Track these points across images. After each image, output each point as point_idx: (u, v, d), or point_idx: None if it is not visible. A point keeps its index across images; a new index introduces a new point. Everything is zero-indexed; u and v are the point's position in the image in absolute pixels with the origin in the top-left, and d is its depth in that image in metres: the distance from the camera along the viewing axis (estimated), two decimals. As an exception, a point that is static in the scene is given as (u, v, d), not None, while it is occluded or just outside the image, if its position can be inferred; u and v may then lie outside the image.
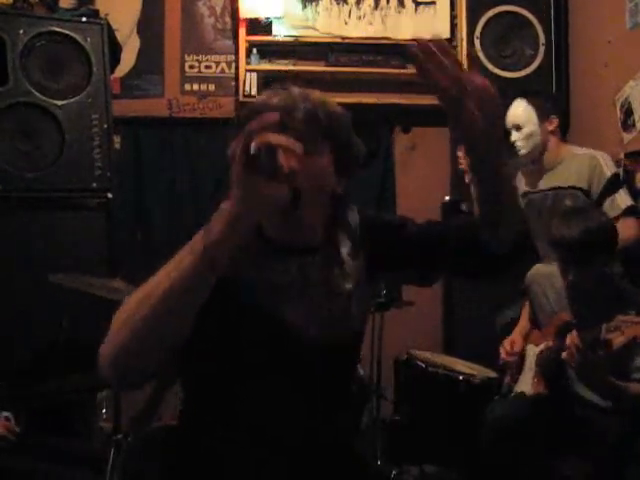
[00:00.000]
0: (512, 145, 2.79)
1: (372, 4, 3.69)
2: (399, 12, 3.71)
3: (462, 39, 3.63)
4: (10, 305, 2.65)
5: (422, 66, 1.06)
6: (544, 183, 2.86)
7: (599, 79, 3.34)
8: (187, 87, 3.67)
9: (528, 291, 2.61)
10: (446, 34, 3.69)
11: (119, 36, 3.23)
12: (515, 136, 2.80)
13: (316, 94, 1.26)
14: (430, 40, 1.06)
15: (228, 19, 3.70)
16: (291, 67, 3.65)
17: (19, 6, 2.91)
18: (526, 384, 2.48)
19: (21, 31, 2.75)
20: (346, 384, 1.47)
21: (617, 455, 2.13)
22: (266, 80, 3.59)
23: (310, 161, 1.16)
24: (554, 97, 3.31)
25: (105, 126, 2.89)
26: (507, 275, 1.34)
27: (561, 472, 2.20)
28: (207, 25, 3.70)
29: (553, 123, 2.85)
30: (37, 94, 2.77)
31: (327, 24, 3.67)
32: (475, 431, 2.37)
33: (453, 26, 3.69)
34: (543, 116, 2.83)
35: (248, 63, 3.59)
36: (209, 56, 3.69)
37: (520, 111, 2.83)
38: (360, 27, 3.68)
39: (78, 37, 2.85)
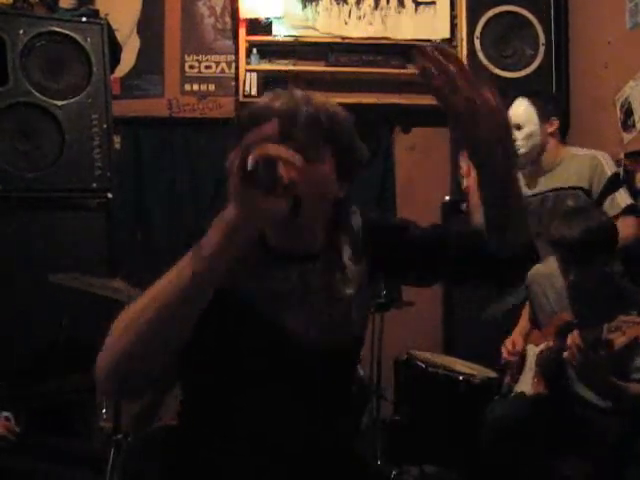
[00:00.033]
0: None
1: (372, 4, 3.69)
2: (399, 12, 3.70)
3: (462, 39, 3.63)
4: (10, 305, 2.64)
5: (432, 84, 1.05)
6: (544, 184, 2.86)
7: (599, 79, 3.34)
8: (187, 87, 3.67)
9: (528, 291, 2.61)
10: (446, 34, 3.69)
11: (119, 36, 3.23)
12: (515, 135, 2.80)
13: (318, 97, 1.25)
14: (434, 46, 1.06)
15: (228, 19, 3.69)
16: (291, 67, 3.65)
17: (19, 6, 2.91)
18: (526, 384, 2.48)
19: (21, 31, 2.75)
20: (346, 388, 1.47)
21: (617, 455, 2.13)
22: (266, 80, 3.60)
23: (311, 169, 1.15)
24: (555, 98, 3.31)
25: (105, 126, 2.89)
26: (508, 284, 1.34)
27: (561, 472, 2.20)
28: (207, 25, 3.70)
29: (553, 125, 2.85)
30: (37, 94, 2.77)
31: (327, 24, 3.66)
32: (475, 431, 2.37)
33: (453, 26, 3.69)
34: (544, 117, 2.83)
35: (248, 63, 3.59)
36: (209, 56, 3.69)
37: (521, 110, 2.83)
38: (360, 27, 3.68)
39: (78, 37, 2.85)
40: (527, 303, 2.68)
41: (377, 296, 2.81)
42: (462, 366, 2.95)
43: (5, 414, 2.15)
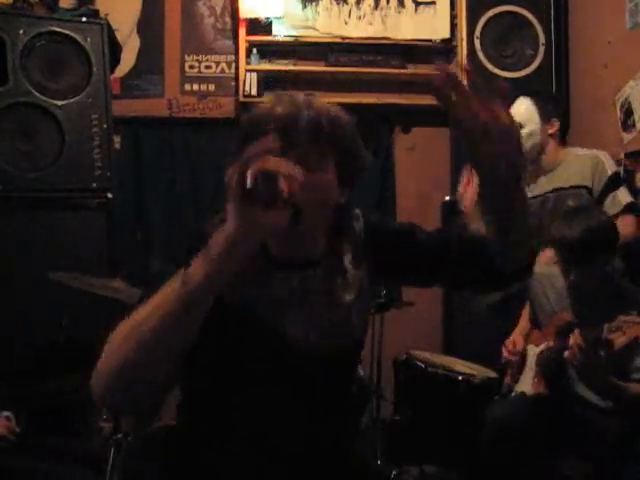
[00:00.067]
0: None
1: (372, 4, 3.69)
2: (399, 12, 3.71)
3: (462, 39, 3.63)
4: (10, 305, 2.64)
5: (449, 106, 1.03)
6: (544, 185, 2.85)
7: (599, 79, 3.34)
8: (187, 87, 3.67)
9: (528, 291, 2.61)
10: (446, 34, 3.69)
11: (119, 36, 3.23)
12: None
13: (320, 101, 1.23)
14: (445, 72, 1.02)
15: (228, 19, 3.69)
16: (291, 67, 3.66)
17: (19, 6, 2.91)
18: (526, 384, 2.48)
19: (21, 31, 2.75)
20: (346, 390, 1.46)
21: (617, 455, 2.12)
22: (266, 80, 3.60)
23: (313, 178, 1.14)
24: (556, 99, 3.31)
25: (105, 126, 2.89)
26: (508, 289, 1.33)
27: (561, 472, 2.20)
28: (207, 25, 3.70)
29: (554, 126, 2.85)
30: (37, 94, 2.77)
31: (327, 24, 3.67)
32: (475, 431, 2.37)
33: (453, 26, 3.69)
34: (544, 118, 2.83)
35: (248, 63, 3.59)
36: (209, 56, 3.69)
37: (523, 110, 2.82)
38: (360, 27, 3.68)
39: (78, 37, 2.85)
40: (527, 303, 2.68)
41: (377, 296, 2.81)
42: (462, 366, 2.95)
43: (5, 414, 2.15)
